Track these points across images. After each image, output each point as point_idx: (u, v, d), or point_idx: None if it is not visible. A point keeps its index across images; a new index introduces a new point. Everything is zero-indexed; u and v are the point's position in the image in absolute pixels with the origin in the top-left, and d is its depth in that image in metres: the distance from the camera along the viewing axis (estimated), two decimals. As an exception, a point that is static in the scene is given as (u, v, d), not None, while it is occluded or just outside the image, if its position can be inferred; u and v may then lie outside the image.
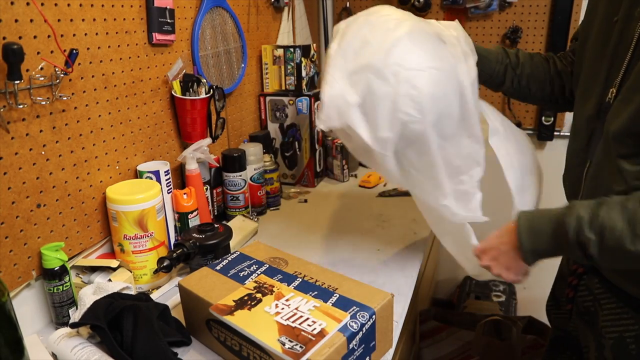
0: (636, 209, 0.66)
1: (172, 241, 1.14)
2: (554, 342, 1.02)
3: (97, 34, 0.97)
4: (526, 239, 0.75)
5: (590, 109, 0.83)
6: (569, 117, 1.89)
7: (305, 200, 1.51)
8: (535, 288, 2.13)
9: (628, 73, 0.74)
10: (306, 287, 0.80)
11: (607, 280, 0.84)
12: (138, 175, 1.11)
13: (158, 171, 1.09)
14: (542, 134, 1.90)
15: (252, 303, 0.76)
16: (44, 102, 0.86)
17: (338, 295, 0.77)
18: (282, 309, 0.74)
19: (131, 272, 0.96)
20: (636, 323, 0.79)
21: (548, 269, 2.08)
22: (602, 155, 0.77)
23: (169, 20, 1.15)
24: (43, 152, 0.88)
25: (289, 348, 0.66)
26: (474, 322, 1.66)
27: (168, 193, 1.12)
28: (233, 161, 1.30)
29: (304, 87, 1.58)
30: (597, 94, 0.81)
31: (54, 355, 0.80)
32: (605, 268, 0.84)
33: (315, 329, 0.69)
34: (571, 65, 0.98)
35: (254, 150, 1.37)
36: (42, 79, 0.85)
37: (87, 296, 0.85)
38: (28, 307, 0.89)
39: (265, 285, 0.81)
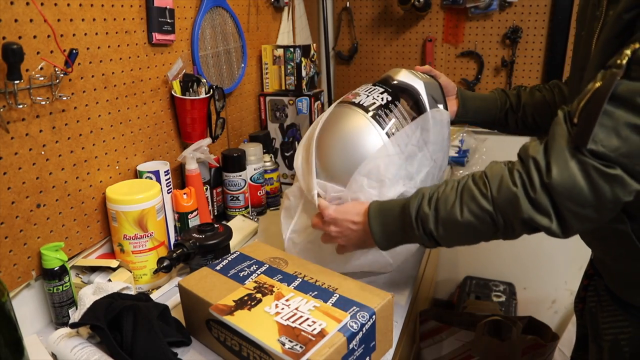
0: (466, 181, 0.72)
1: (172, 241, 1.14)
2: (579, 341, 1.03)
3: (97, 33, 0.97)
4: (376, 221, 0.81)
5: None
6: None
7: (305, 200, 1.51)
8: (535, 288, 2.14)
9: None
10: (306, 287, 0.80)
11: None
12: (138, 175, 1.11)
13: (158, 171, 1.09)
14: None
15: (252, 303, 0.76)
16: (43, 102, 0.86)
17: (338, 296, 0.77)
18: (282, 309, 0.74)
19: (131, 272, 0.96)
20: (630, 325, 0.79)
21: (548, 270, 2.08)
22: None
23: (169, 20, 1.15)
24: (43, 152, 0.88)
25: (289, 348, 0.66)
26: (474, 322, 1.66)
27: (168, 193, 1.12)
28: (233, 161, 1.30)
29: (304, 87, 1.58)
30: None
31: (53, 355, 0.80)
32: (605, 274, 0.85)
33: (315, 329, 0.69)
34: None
35: (254, 150, 1.37)
36: (42, 78, 0.85)
37: (87, 296, 0.85)
38: (28, 307, 0.88)
39: (265, 286, 0.81)
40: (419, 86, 0.97)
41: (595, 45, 0.74)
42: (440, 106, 0.97)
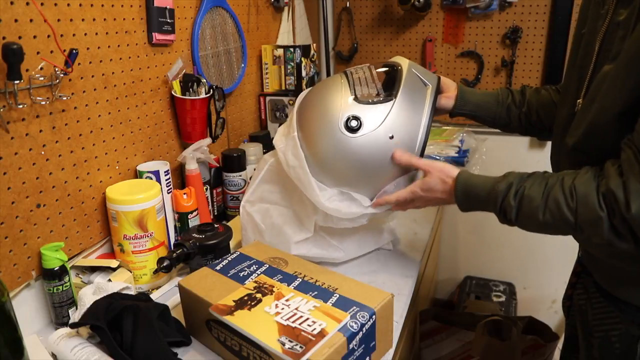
0: (554, 185, 0.73)
1: (172, 241, 1.14)
2: (567, 339, 1.03)
3: (97, 33, 0.97)
4: (462, 201, 0.85)
5: (562, 120, 0.84)
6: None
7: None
8: (535, 288, 2.14)
9: (591, 84, 0.76)
10: (306, 287, 0.80)
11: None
12: (138, 175, 1.11)
13: (158, 171, 1.09)
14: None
15: (252, 303, 0.76)
16: (43, 102, 0.86)
17: (338, 296, 0.77)
18: (282, 309, 0.74)
19: (131, 272, 0.96)
20: (621, 322, 0.80)
21: (548, 270, 2.08)
22: (568, 167, 0.78)
23: (168, 20, 1.15)
24: (43, 152, 0.88)
25: (289, 348, 0.66)
26: (474, 322, 1.66)
27: (168, 193, 1.12)
28: (233, 161, 1.30)
29: (304, 87, 1.58)
30: (568, 105, 0.82)
31: (53, 355, 0.80)
32: (595, 270, 0.86)
33: (315, 329, 0.69)
34: None
35: (254, 150, 1.37)
36: (42, 78, 0.85)
37: (87, 296, 0.85)
38: (28, 307, 0.88)
39: (265, 285, 0.81)
40: (403, 62, 1.00)
41: (599, 45, 0.73)
42: (428, 86, 0.99)
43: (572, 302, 0.96)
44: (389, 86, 0.94)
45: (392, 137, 0.91)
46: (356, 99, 0.92)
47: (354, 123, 0.90)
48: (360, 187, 0.95)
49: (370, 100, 0.92)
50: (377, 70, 0.99)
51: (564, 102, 0.85)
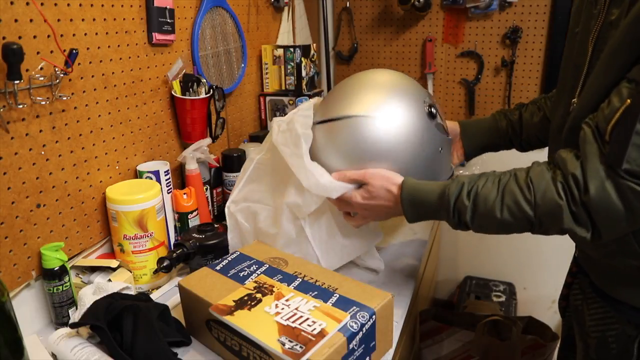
0: (509, 181, 0.72)
1: (172, 241, 1.14)
2: (565, 340, 1.03)
3: (97, 33, 0.97)
4: (409, 211, 0.82)
5: (557, 120, 0.84)
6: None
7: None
8: (535, 288, 2.14)
9: (585, 83, 0.76)
10: (306, 287, 0.80)
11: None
12: (138, 175, 1.11)
13: (158, 171, 1.09)
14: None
15: (252, 303, 0.76)
16: (43, 102, 0.86)
17: (338, 296, 0.77)
18: (282, 309, 0.74)
19: (131, 272, 0.96)
20: (617, 322, 0.80)
21: (548, 270, 2.08)
22: None
23: (168, 20, 1.15)
24: (43, 152, 0.88)
25: (289, 348, 0.66)
26: (474, 322, 1.66)
27: (168, 193, 1.12)
28: (233, 161, 1.30)
29: (304, 87, 1.58)
30: (563, 105, 0.82)
31: (53, 355, 0.80)
32: (592, 271, 0.85)
33: (315, 329, 0.69)
34: None
35: (253, 150, 1.37)
36: (42, 78, 0.85)
37: (87, 296, 0.85)
38: (28, 307, 0.88)
39: (265, 286, 0.81)
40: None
41: (592, 44, 0.73)
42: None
43: (569, 303, 0.96)
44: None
45: (440, 151, 0.91)
46: (430, 104, 0.92)
47: (433, 110, 0.90)
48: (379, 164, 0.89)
49: (439, 117, 0.93)
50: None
51: (559, 102, 0.85)
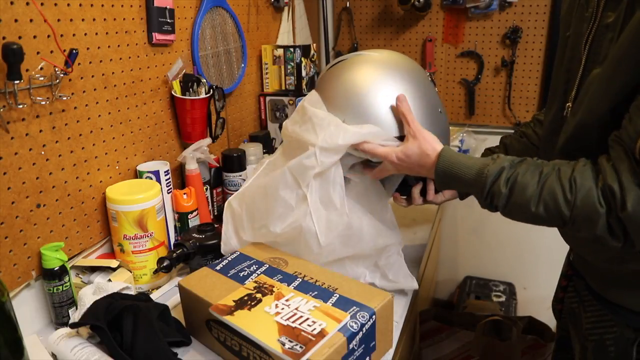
0: (550, 175, 0.69)
1: (172, 241, 1.14)
2: (559, 342, 1.03)
3: (97, 33, 0.97)
4: (441, 180, 0.80)
5: (549, 123, 0.84)
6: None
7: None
8: (535, 288, 2.14)
9: (580, 87, 0.75)
10: (306, 287, 0.80)
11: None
12: (138, 175, 1.11)
13: (158, 171, 1.09)
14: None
15: (252, 303, 0.76)
16: (43, 102, 0.86)
17: (338, 296, 0.77)
18: (282, 309, 0.74)
19: (131, 272, 0.96)
20: (615, 325, 0.79)
21: (548, 270, 2.08)
22: None
23: (168, 20, 1.15)
24: (43, 152, 0.88)
25: (289, 348, 0.66)
26: (474, 322, 1.66)
27: (168, 193, 1.12)
28: (233, 161, 1.30)
29: (304, 87, 1.58)
30: (556, 108, 0.82)
31: (53, 355, 0.80)
32: (588, 274, 0.85)
33: (315, 329, 0.69)
34: None
35: (254, 150, 1.37)
36: (42, 78, 0.85)
37: (87, 296, 0.85)
38: (28, 307, 0.88)
39: (265, 285, 0.81)
40: None
41: (587, 48, 0.73)
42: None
43: (564, 306, 0.95)
44: None
45: (440, 112, 0.94)
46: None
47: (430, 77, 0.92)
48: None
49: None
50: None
51: (551, 105, 0.84)
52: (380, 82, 0.90)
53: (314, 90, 0.97)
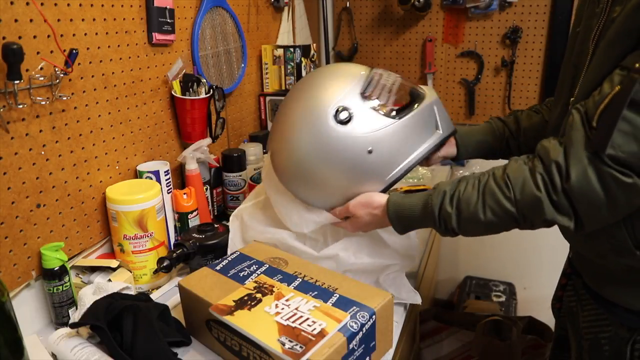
0: (487, 181, 0.72)
1: (172, 241, 1.14)
2: (557, 340, 1.03)
3: (97, 33, 0.97)
4: (398, 226, 0.84)
5: (555, 120, 0.84)
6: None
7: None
8: (535, 288, 2.14)
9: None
10: (306, 287, 0.80)
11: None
12: (138, 175, 1.11)
13: (158, 171, 1.09)
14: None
15: (252, 303, 0.76)
16: (43, 102, 0.86)
17: (338, 296, 0.77)
18: (282, 309, 0.74)
19: (131, 272, 0.96)
20: (610, 324, 0.79)
21: (548, 270, 2.08)
22: None
23: (168, 20, 1.15)
24: (43, 152, 0.88)
25: (289, 348, 0.66)
26: (474, 322, 1.66)
27: (168, 193, 1.12)
28: (233, 161, 1.30)
29: (304, 87, 1.57)
30: (562, 103, 0.82)
31: (53, 355, 0.80)
32: (585, 272, 0.85)
33: (315, 329, 0.69)
34: None
35: (254, 150, 1.37)
36: (42, 78, 0.85)
37: (87, 296, 0.85)
38: (28, 307, 0.88)
39: (265, 285, 0.81)
40: (430, 95, 0.94)
41: (594, 43, 0.73)
42: (439, 131, 0.93)
43: (562, 304, 0.96)
44: (401, 109, 0.89)
45: (370, 152, 0.85)
46: (363, 94, 0.87)
47: (343, 115, 0.84)
48: (313, 189, 0.91)
49: (373, 106, 0.87)
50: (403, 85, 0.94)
51: (557, 102, 0.85)
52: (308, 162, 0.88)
53: (267, 155, 1.00)
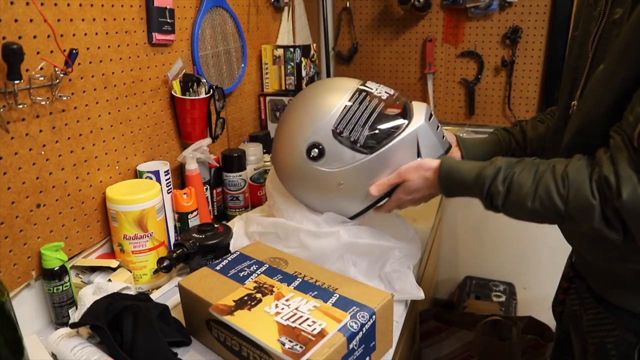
0: (545, 172, 0.71)
1: (172, 241, 1.14)
2: (558, 343, 1.03)
3: (97, 33, 0.97)
4: (446, 188, 0.85)
5: (556, 122, 0.84)
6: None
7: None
8: (535, 288, 2.14)
9: (586, 85, 0.75)
10: (306, 287, 0.80)
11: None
12: (138, 175, 1.11)
13: (158, 171, 1.09)
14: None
15: (252, 303, 0.76)
16: (43, 102, 0.86)
17: (338, 296, 0.77)
18: (282, 309, 0.74)
19: (131, 272, 0.96)
20: (617, 329, 0.78)
21: (548, 270, 2.08)
22: None
23: (168, 20, 1.15)
24: (43, 152, 0.88)
25: (289, 348, 0.66)
26: (474, 322, 1.66)
27: (168, 193, 1.12)
28: (233, 161, 1.30)
29: (304, 87, 1.57)
30: (562, 107, 0.82)
31: (53, 355, 0.80)
32: (590, 276, 0.85)
33: (315, 329, 0.69)
34: None
35: (254, 150, 1.37)
36: (42, 78, 0.85)
37: (87, 296, 0.85)
38: (28, 307, 0.88)
39: (265, 285, 0.81)
40: (417, 117, 0.92)
41: (593, 47, 0.73)
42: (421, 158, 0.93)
43: (565, 308, 0.95)
44: (378, 141, 0.90)
45: (341, 184, 0.93)
46: (335, 131, 0.90)
47: (314, 152, 0.92)
48: (305, 201, 1.01)
49: (345, 142, 0.90)
50: (391, 110, 0.92)
51: (559, 105, 0.85)
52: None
53: (272, 170, 1.08)
